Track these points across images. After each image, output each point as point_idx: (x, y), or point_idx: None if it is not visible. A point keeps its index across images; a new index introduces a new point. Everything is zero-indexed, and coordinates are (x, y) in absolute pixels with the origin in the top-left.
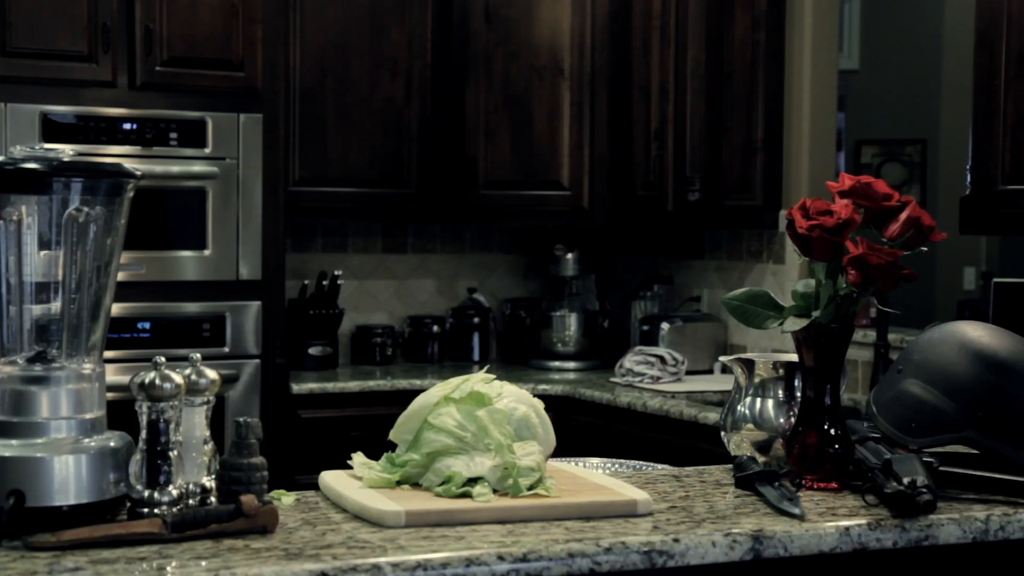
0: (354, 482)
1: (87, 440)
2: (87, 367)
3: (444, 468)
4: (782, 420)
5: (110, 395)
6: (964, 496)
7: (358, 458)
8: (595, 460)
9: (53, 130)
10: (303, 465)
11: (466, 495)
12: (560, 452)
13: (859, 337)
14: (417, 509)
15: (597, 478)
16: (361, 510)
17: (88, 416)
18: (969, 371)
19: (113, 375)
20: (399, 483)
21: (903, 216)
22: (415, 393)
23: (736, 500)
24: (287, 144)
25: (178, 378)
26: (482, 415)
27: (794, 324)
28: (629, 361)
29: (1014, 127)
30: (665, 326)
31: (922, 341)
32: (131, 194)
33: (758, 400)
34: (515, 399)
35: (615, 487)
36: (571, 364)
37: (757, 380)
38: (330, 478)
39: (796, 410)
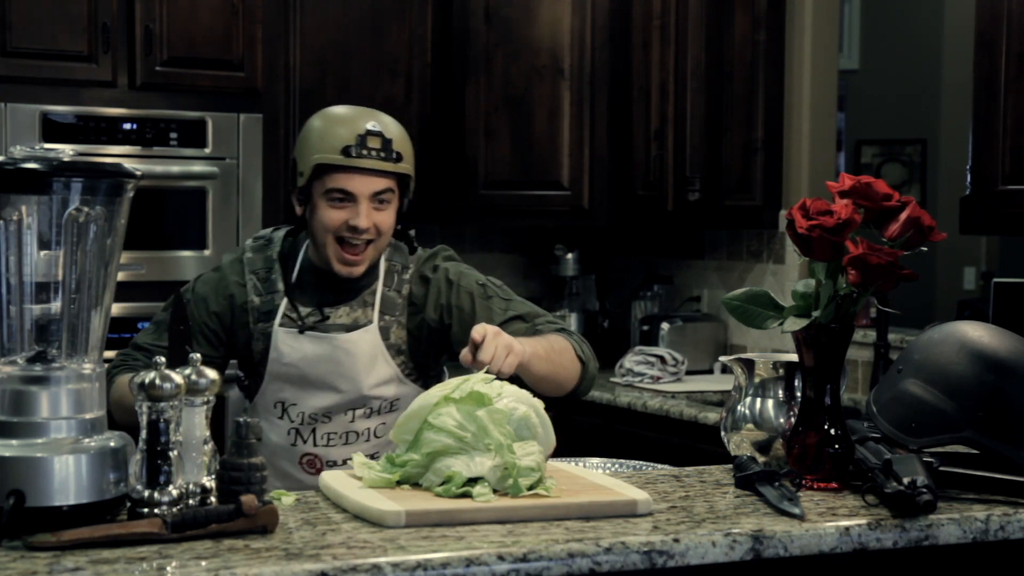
0: (354, 482)
1: (87, 440)
2: (87, 367)
3: (444, 468)
4: (782, 420)
5: None
6: (964, 496)
7: (358, 458)
8: (595, 460)
9: (53, 130)
10: None
11: (466, 495)
12: (560, 452)
13: (859, 337)
14: (417, 509)
15: (597, 478)
16: (361, 510)
17: (88, 416)
18: (969, 371)
19: None
20: (399, 483)
21: (903, 216)
22: None
23: (736, 500)
24: (287, 144)
25: (178, 378)
26: (482, 415)
27: (794, 324)
28: (629, 361)
29: (1014, 127)
30: (665, 326)
31: (922, 341)
32: (131, 194)
33: (758, 400)
34: (515, 399)
35: (615, 487)
36: None
37: (757, 380)
38: (330, 478)
39: (796, 410)
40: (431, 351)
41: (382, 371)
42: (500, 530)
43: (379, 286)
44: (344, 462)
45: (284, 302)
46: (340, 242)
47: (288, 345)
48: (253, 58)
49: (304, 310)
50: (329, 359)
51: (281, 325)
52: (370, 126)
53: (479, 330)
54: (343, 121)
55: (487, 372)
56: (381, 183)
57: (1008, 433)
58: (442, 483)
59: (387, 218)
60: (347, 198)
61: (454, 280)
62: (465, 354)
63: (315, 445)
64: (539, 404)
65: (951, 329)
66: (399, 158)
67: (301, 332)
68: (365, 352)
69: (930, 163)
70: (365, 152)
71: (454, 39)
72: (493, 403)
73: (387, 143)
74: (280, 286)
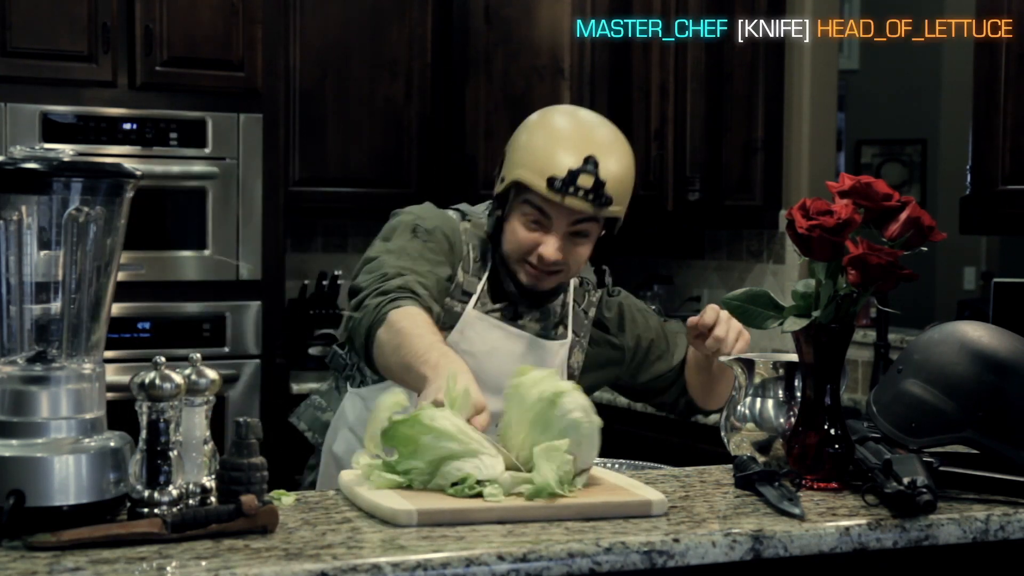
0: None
1: (87, 440)
2: (87, 367)
3: (454, 471)
4: (782, 420)
5: (110, 395)
6: (964, 496)
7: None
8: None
9: (53, 130)
10: (303, 465)
11: (478, 495)
12: None
13: (859, 337)
14: (429, 508)
15: (613, 478)
16: (374, 508)
17: (88, 416)
18: (969, 371)
19: (113, 375)
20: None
21: (903, 216)
22: None
23: (736, 500)
24: (287, 144)
25: (178, 378)
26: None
27: (794, 324)
28: None
29: (1014, 127)
30: None
31: (922, 341)
32: (131, 194)
33: (758, 400)
34: (580, 408)
35: (631, 487)
36: None
37: (757, 380)
38: (348, 477)
39: (796, 410)
40: (591, 383)
41: None
42: (500, 530)
43: (569, 301)
44: None
45: (483, 286)
46: (527, 261)
47: (476, 331)
48: (253, 58)
49: (498, 304)
50: (520, 359)
51: (475, 308)
52: (586, 163)
53: (711, 313)
54: (563, 144)
55: (718, 353)
56: (581, 218)
57: (1008, 433)
58: (453, 484)
59: (581, 253)
60: (542, 224)
61: (640, 311)
62: (694, 321)
63: None
64: (597, 421)
65: (951, 329)
66: (607, 202)
67: (504, 321)
68: (555, 365)
69: (930, 163)
70: (572, 190)
71: (454, 39)
72: (562, 399)
73: (599, 185)
74: (485, 270)
